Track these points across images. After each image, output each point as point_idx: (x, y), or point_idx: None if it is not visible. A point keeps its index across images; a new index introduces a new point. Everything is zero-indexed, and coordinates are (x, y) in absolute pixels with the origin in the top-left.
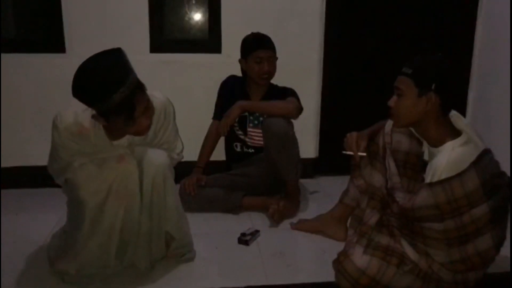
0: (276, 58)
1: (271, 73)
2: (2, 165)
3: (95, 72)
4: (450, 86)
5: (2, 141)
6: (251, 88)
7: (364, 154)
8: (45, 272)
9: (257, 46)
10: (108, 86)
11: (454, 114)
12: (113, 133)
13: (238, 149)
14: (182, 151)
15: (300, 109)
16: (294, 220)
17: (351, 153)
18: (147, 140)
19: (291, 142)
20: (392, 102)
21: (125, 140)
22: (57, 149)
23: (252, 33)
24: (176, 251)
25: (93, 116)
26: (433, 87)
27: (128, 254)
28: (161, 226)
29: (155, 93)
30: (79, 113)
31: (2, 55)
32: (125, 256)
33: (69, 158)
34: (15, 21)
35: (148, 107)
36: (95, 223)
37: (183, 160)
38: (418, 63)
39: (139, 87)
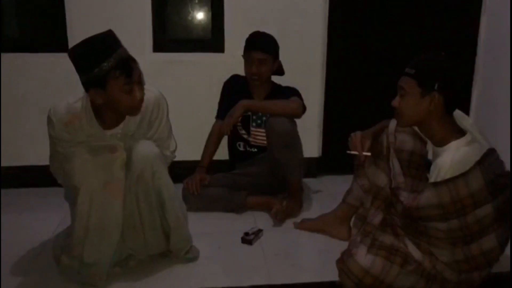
0: (276, 60)
1: (260, 75)
2: (4, 165)
3: (92, 39)
4: (453, 86)
5: (4, 141)
6: (254, 87)
7: (369, 153)
8: (47, 272)
9: (248, 47)
10: (106, 48)
11: (458, 114)
12: (106, 121)
13: (241, 149)
14: (175, 150)
15: (303, 109)
16: (298, 219)
17: (355, 152)
18: (141, 132)
19: (295, 141)
20: (395, 102)
21: (119, 129)
22: (54, 143)
23: (253, 32)
24: (176, 246)
25: (90, 93)
26: (436, 86)
27: (126, 243)
28: (154, 216)
29: (148, 87)
30: (71, 103)
31: (5, 54)
32: (124, 246)
33: (66, 151)
34: (18, 20)
35: (141, 80)
36: (92, 211)
37: (186, 159)
38: (420, 63)
39: (132, 59)
